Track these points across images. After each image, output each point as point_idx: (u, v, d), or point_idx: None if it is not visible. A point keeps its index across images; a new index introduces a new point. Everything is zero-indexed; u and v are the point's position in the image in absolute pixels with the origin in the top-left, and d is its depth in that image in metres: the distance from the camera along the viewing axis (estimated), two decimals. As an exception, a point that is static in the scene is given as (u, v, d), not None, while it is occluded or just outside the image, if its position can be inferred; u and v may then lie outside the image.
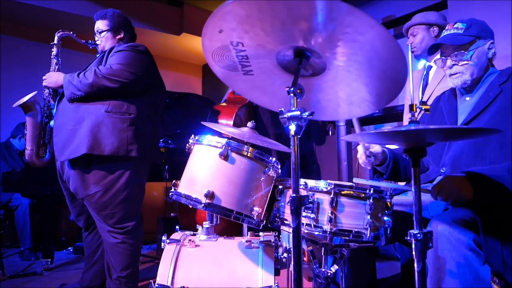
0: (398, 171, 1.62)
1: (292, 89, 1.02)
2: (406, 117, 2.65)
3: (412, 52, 2.49)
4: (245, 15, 0.91)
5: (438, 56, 1.58)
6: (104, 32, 2.26)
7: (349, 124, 3.54)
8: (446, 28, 1.53)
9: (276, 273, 1.48)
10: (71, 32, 2.37)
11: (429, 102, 2.29)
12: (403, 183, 1.73)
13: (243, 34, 0.98)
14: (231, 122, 3.17)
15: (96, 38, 2.30)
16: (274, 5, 0.86)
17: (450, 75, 1.50)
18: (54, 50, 2.33)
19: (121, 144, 1.97)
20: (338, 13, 0.86)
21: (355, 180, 1.55)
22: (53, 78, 2.17)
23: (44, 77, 2.22)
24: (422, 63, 2.61)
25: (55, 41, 2.34)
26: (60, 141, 2.02)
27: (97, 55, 2.28)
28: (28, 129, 2.29)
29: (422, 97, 2.41)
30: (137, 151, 2.00)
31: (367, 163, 1.55)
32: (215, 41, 1.02)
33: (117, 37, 2.29)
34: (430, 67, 2.47)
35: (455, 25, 1.49)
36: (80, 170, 1.98)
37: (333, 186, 1.23)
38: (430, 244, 0.97)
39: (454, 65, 1.48)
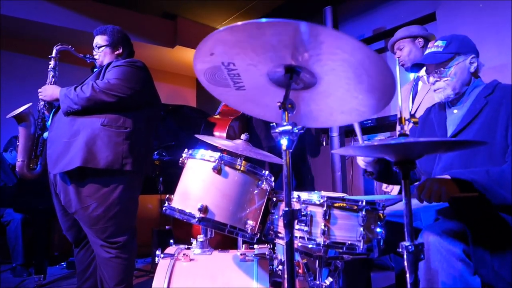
0: (390, 173, 1.65)
1: (283, 104, 1.04)
2: (399, 127, 2.68)
3: (402, 65, 2.54)
4: (236, 40, 0.93)
5: (422, 72, 1.64)
6: (103, 47, 2.28)
7: (342, 135, 3.57)
8: (429, 46, 1.59)
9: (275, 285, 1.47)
10: (70, 46, 2.38)
11: (419, 112, 2.33)
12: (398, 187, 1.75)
13: (234, 55, 1.00)
14: (225, 134, 3.18)
15: (94, 53, 2.32)
16: (263, 32, 0.89)
17: (434, 90, 1.56)
18: (52, 63, 2.34)
19: (116, 157, 1.96)
20: (326, 37, 0.89)
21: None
22: (49, 91, 2.17)
23: (39, 90, 2.21)
24: (412, 75, 2.65)
25: (53, 54, 2.34)
26: (54, 153, 2.01)
27: (95, 70, 2.29)
28: (20, 140, 2.27)
29: (412, 108, 2.45)
30: (131, 165, 2.00)
31: (365, 163, 1.60)
32: (206, 62, 1.04)
33: (115, 53, 2.30)
34: (419, 77, 2.51)
35: (436, 43, 1.55)
36: (74, 183, 1.97)
37: (325, 198, 1.24)
38: (422, 256, 0.98)
39: (436, 81, 1.54)
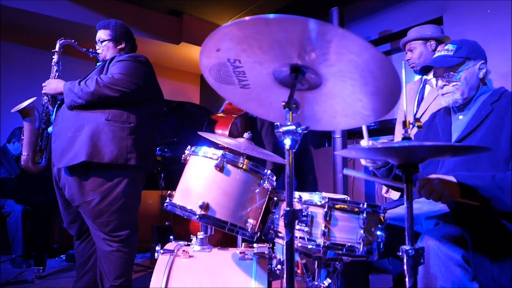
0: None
1: (288, 103, 1.04)
2: (398, 128, 2.66)
3: (412, 68, 2.51)
4: (243, 36, 0.93)
5: (431, 75, 1.61)
6: (106, 42, 2.28)
7: (344, 136, 3.57)
8: (438, 49, 1.57)
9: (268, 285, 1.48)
10: (73, 40, 2.38)
11: (425, 117, 2.31)
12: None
13: (241, 52, 1.00)
14: (227, 132, 3.18)
15: (97, 47, 2.32)
16: (271, 28, 0.88)
17: (442, 94, 1.54)
18: (55, 57, 2.35)
19: (121, 152, 1.98)
20: (333, 36, 0.88)
21: (345, 171, 1.53)
22: (53, 85, 2.18)
23: (43, 84, 2.22)
24: (419, 76, 2.62)
25: (57, 48, 2.35)
26: (58, 148, 2.02)
27: (97, 64, 2.30)
28: (25, 134, 2.30)
29: (417, 111, 2.43)
30: (135, 160, 2.01)
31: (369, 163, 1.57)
32: (212, 58, 1.04)
33: (118, 47, 2.31)
34: (426, 80, 2.49)
35: (446, 47, 1.53)
36: (78, 177, 1.98)
37: (327, 200, 1.24)
38: (422, 260, 0.98)
39: (445, 85, 1.52)
